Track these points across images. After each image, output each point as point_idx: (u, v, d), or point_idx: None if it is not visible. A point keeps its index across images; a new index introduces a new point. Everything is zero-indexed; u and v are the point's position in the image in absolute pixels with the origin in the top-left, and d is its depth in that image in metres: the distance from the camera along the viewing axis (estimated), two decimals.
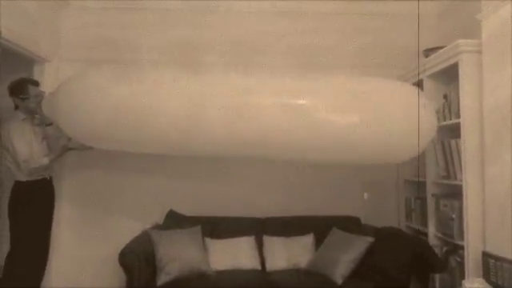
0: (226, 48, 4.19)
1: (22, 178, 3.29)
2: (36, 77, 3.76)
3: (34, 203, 3.31)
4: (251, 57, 4.19)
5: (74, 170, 4.04)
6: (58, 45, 4.08)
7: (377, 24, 4.28)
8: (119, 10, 4.14)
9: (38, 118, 3.46)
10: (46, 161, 3.39)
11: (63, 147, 3.48)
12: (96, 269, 3.94)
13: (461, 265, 3.11)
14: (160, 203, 3.98)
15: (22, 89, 3.33)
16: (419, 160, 3.61)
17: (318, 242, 3.73)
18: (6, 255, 3.25)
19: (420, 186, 3.83)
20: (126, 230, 3.61)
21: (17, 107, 3.36)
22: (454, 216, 3.22)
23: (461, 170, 3.14)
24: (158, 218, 3.89)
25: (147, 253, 3.32)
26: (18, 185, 3.29)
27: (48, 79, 3.84)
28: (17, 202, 3.26)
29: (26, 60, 3.78)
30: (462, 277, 3.04)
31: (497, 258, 2.72)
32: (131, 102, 2.96)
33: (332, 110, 2.99)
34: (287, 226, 3.87)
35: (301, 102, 3.01)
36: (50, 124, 3.54)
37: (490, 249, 2.86)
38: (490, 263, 2.77)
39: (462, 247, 3.07)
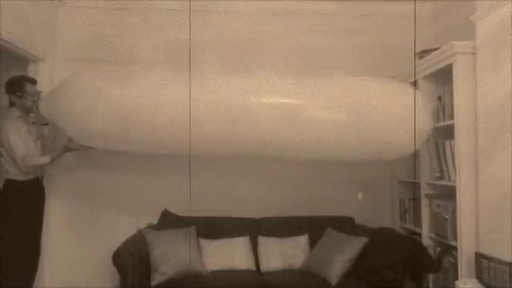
0: (223, 48, 4.18)
1: (16, 176, 3.26)
2: (30, 76, 3.73)
3: (25, 202, 3.29)
4: (248, 57, 4.18)
5: (67, 170, 4.01)
6: (53, 44, 4.05)
7: (373, 25, 4.29)
8: (115, 10, 4.12)
9: (33, 117, 3.45)
10: (46, 159, 3.38)
11: (64, 147, 3.46)
12: (90, 269, 3.92)
13: (454, 265, 3.13)
14: (154, 203, 3.96)
15: (20, 86, 3.31)
16: (415, 160, 3.65)
17: (313, 242, 3.74)
18: None
19: (414, 187, 3.85)
20: (120, 231, 3.60)
21: (12, 105, 3.33)
22: (447, 217, 3.23)
23: (455, 171, 3.16)
24: (152, 218, 3.88)
25: (141, 253, 3.30)
26: (8, 183, 3.26)
27: (43, 78, 3.81)
28: (7, 200, 3.23)
29: (20, 59, 3.75)
30: (456, 277, 3.06)
31: (490, 259, 2.74)
32: (133, 102, 3.08)
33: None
34: (282, 227, 3.87)
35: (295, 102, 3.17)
36: (46, 124, 3.52)
37: (483, 249, 2.88)
38: (483, 264, 2.78)
39: (456, 248, 3.09)
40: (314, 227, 3.82)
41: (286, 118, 3.11)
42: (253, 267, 3.63)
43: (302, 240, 3.78)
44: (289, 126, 3.12)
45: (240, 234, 3.78)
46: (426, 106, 3.28)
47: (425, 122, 3.16)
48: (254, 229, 3.86)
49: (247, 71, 3.64)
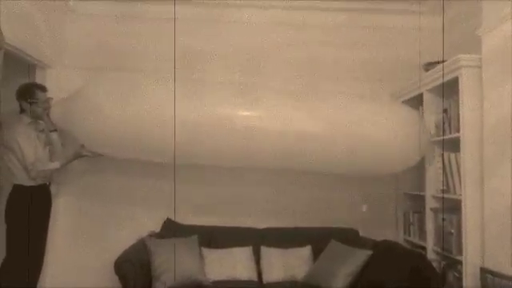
0: (229, 58, 4.20)
1: (24, 181, 3.27)
2: (38, 82, 3.76)
3: (32, 209, 3.29)
4: (254, 67, 4.20)
5: (72, 177, 4.02)
6: (62, 51, 4.09)
7: (378, 37, 4.30)
8: (123, 18, 4.16)
9: (43, 123, 3.48)
10: (56, 165, 3.43)
11: (75, 153, 3.52)
12: (91, 277, 3.89)
13: (459, 280, 3.08)
14: (157, 211, 3.95)
15: (31, 93, 3.35)
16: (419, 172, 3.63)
17: (316, 253, 3.71)
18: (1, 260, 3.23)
19: (419, 200, 3.83)
20: (122, 238, 3.59)
21: (22, 111, 3.36)
22: (452, 230, 3.20)
23: (460, 184, 3.13)
24: (155, 226, 3.86)
25: (143, 261, 3.29)
26: (16, 188, 3.27)
27: (50, 85, 3.83)
28: (14, 206, 3.24)
29: (28, 65, 3.78)
30: None
31: (495, 274, 2.70)
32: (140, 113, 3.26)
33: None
34: (285, 237, 3.84)
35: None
36: (55, 130, 3.55)
37: (488, 264, 2.84)
38: (487, 279, 2.75)
39: (461, 262, 3.05)
40: (317, 239, 3.79)
41: (285, 135, 3.29)
42: (255, 278, 3.59)
43: (305, 251, 3.75)
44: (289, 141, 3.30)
45: (242, 244, 3.75)
46: (425, 124, 3.54)
47: (423, 139, 3.42)
48: (257, 239, 3.83)
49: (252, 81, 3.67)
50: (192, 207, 4.06)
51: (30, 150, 3.27)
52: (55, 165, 3.43)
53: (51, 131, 3.56)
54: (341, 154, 3.35)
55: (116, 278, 3.14)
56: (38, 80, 3.83)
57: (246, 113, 3.33)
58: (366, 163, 3.45)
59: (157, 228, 3.87)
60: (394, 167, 3.60)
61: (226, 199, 4.13)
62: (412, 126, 3.42)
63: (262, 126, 3.28)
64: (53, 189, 3.60)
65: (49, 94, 3.53)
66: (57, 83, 3.90)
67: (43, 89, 3.47)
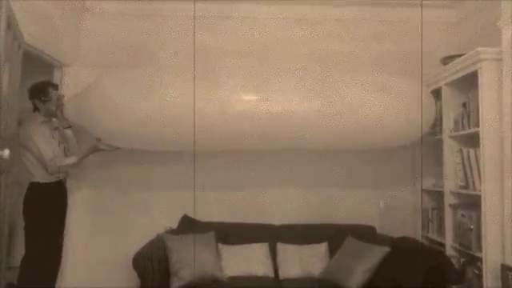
0: (243, 54, 4.19)
1: (40, 179, 3.32)
2: (55, 81, 3.81)
3: (48, 205, 3.34)
4: (269, 63, 4.18)
5: (88, 173, 4.07)
6: (78, 50, 4.14)
7: (395, 31, 4.24)
8: (138, 17, 4.19)
9: (56, 121, 3.52)
10: (74, 160, 3.49)
11: (92, 147, 3.57)
12: (109, 272, 3.93)
13: (479, 277, 3.04)
14: (174, 208, 3.98)
15: (44, 91, 3.39)
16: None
17: (333, 250, 3.69)
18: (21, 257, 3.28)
19: (437, 196, 3.78)
20: (140, 234, 3.63)
21: (35, 110, 3.41)
22: (472, 227, 3.15)
23: (480, 179, 3.08)
24: (172, 222, 3.90)
25: (161, 257, 3.32)
26: (32, 187, 3.32)
27: (67, 84, 3.90)
28: (31, 204, 3.28)
29: (45, 64, 3.83)
30: None
31: None
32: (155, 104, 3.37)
33: None
34: (301, 234, 3.84)
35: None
36: (69, 127, 3.60)
37: (509, 261, 2.80)
38: (509, 276, 2.70)
39: (480, 259, 3.01)
40: (334, 235, 3.77)
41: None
42: (271, 274, 3.59)
43: (322, 248, 3.73)
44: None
45: (259, 241, 3.76)
46: (429, 99, 3.64)
47: (426, 113, 3.52)
48: (273, 235, 3.83)
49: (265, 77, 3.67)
50: (208, 204, 4.08)
51: (47, 147, 3.33)
52: (72, 159, 3.48)
53: (65, 128, 3.59)
54: (348, 130, 3.50)
55: (134, 273, 3.18)
56: (56, 79, 3.89)
57: (256, 96, 3.50)
58: (373, 137, 3.57)
59: (174, 224, 3.89)
60: (402, 140, 3.71)
61: (242, 196, 4.13)
62: (416, 97, 3.52)
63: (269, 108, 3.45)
64: (69, 184, 3.65)
65: (66, 93, 3.58)
66: (74, 81, 3.94)
67: (55, 86, 3.51)
